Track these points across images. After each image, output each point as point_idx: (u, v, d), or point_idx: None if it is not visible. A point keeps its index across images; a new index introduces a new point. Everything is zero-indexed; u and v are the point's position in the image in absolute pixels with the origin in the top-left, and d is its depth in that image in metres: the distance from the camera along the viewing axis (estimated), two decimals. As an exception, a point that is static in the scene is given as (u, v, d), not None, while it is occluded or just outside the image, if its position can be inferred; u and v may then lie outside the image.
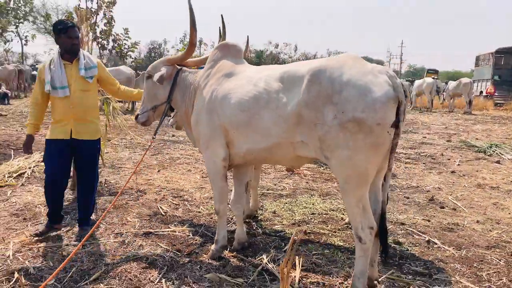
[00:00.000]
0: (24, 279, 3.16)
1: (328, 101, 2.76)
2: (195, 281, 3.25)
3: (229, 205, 3.91)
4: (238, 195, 3.85)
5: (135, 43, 30.07)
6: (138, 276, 3.30)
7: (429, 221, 4.72)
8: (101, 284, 3.16)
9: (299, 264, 3.46)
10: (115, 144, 8.97)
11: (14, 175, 5.89)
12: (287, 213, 4.88)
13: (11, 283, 3.11)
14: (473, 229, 4.53)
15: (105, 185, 5.76)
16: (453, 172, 7.15)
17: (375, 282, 3.18)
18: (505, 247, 4.05)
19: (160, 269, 3.43)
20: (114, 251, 3.75)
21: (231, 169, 3.77)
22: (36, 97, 3.92)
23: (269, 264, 3.51)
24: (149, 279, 3.26)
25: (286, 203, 5.21)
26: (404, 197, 5.66)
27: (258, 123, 3.14)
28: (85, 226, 4.11)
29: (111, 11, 31.44)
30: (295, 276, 3.31)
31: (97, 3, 26.06)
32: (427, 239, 4.19)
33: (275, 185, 6.10)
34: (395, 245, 4.03)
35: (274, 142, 3.12)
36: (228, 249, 3.82)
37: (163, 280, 3.24)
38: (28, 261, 3.47)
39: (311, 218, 4.73)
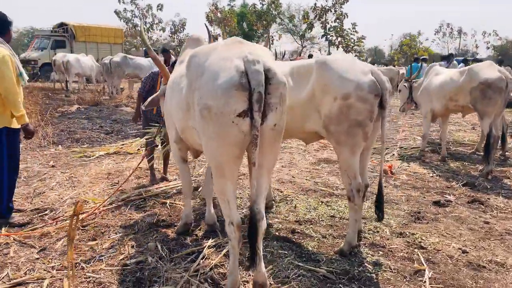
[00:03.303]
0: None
1: (195, 87, 2.75)
2: (137, 244, 3.72)
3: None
4: (207, 180, 4.02)
5: (361, 37, 30.34)
6: (115, 234, 3.98)
7: (464, 252, 3.64)
8: (92, 230, 4.03)
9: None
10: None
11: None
12: (305, 210, 4.61)
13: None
14: (518, 275, 3.28)
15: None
16: None
17: (264, 284, 2.91)
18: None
19: (131, 231, 4.02)
20: (128, 211, 4.54)
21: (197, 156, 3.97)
22: (16, 86, 3.88)
23: (207, 249, 3.61)
24: (115, 235, 3.92)
25: (323, 202, 4.88)
26: (483, 221, 4.38)
27: (175, 106, 3.31)
28: None
29: (341, 8, 32.58)
30: (211, 262, 3.37)
31: (332, 1, 27.52)
32: (418, 269, 3.33)
33: (341, 183, 5.67)
34: (369, 266, 3.39)
35: (182, 126, 3.23)
36: (201, 229, 4.08)
37: (120, 236, 3.86)
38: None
39: (321, 220, 4.35)
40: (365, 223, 4.24)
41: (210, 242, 3.71)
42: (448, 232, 4.10)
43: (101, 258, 3.46)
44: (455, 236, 4.00)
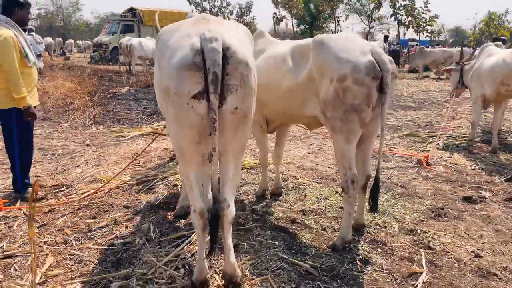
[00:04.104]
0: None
1: (160, 66, 2.66)
2: (132, 225, 3.76)
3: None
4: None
5: (434, 16, 28.41)
6: (115, 213, 4.05)
7: (477, 256, 3.23)
8: (96, 209, 4.12)
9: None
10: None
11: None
12: (314, 200, 4.37)
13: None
14: (533, 287, 2.83)
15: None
16: None
17: (233, 276, 2.78)
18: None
19: (133, 211, 4.07)
20: (138, 191, 4.61)
21: None
22: (17, 68, 3.93)
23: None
24: (115, 214, 3.99)
25: (337, 192, 4.58)
26: (516, 222, 3.85)
27: (155, 87, 3.24)
28: (14, 193, 4.36)
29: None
30: (195, 248, 3.30)
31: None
32: (414, 271, 3.00)
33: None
34: (360, 264, 3.12)
35: (163, 108, 3.16)
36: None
37: (119, 215, 3.93)
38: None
39: (328, 211, 4.10)
40: (374, 217, 3.93)
41: (201, 227, 3.63)
42: (467, 232, 3.66)
43: (92, 236, 3.54)
44: (474, 237, 3.56)
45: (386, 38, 20.46)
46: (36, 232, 3.62)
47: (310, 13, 42.23)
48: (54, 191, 4.58)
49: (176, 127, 2.50)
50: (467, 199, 4.41)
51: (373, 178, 3.28)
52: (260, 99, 3.90)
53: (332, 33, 38.80)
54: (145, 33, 25.46)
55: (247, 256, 3.19)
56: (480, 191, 4.65)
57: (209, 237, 2.57)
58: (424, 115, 9.52)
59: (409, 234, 3.62)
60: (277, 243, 3.43)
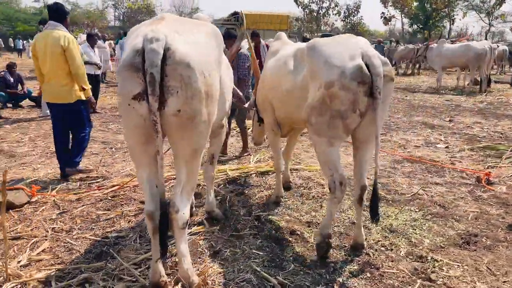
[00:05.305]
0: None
1: None
2: (135, 220, 3.90)
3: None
4: (206, 166, 3.90)
5: None
6: (128, 207, 4.24)
7: (484, 297, 2.69)
8: (114, 202, 4.37)
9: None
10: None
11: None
12: (324, 208, 4.07)
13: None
14: None
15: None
16: None
17: (186, 282, 2.72)
18: None
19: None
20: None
21: None
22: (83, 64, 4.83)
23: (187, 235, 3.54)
24: (128, 208, 4.17)
25: (360, 205, 4.20)
26: None
27: None
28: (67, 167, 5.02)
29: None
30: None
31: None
32: (391, 304, 2.62)
33: (406, 187, 4.77)
34: (335, 286, 2.82)
35: None
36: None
37: (129, 209, 4.12)
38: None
39: (336, 225, 3.78)
40: (386, 237, 3.53)
41: (193, 229, 3.63)
42: (490, 266, 3.07)
43: (93, 227, 3.74)
44: (495, 274, 2.97)
45: None
46: (52, 219, 3.95)
47: (425, 11, 39.41)
48: (89, 182, 4.95)
49: (124, 127, 2.54)
50: (515, 228, 3.71)
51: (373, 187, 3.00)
52: (270, 101, 3.83)
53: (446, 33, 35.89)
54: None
55: (221, 264, 3.09)
56: (538, 220, 3.87)
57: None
58: (519, 126, 8.26)
59: (416, 261, 3.16)
60: (261, 253, 3.27)
